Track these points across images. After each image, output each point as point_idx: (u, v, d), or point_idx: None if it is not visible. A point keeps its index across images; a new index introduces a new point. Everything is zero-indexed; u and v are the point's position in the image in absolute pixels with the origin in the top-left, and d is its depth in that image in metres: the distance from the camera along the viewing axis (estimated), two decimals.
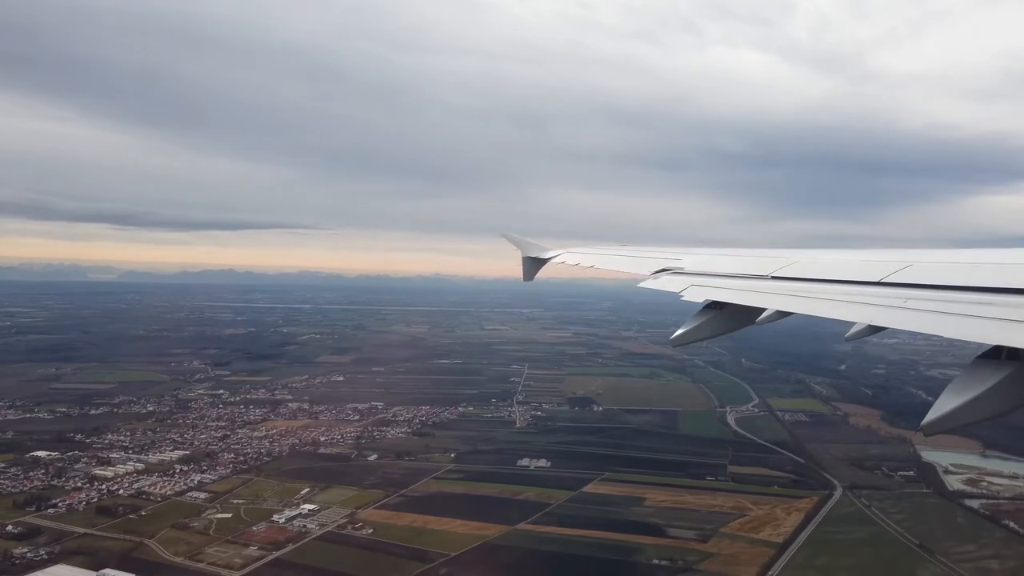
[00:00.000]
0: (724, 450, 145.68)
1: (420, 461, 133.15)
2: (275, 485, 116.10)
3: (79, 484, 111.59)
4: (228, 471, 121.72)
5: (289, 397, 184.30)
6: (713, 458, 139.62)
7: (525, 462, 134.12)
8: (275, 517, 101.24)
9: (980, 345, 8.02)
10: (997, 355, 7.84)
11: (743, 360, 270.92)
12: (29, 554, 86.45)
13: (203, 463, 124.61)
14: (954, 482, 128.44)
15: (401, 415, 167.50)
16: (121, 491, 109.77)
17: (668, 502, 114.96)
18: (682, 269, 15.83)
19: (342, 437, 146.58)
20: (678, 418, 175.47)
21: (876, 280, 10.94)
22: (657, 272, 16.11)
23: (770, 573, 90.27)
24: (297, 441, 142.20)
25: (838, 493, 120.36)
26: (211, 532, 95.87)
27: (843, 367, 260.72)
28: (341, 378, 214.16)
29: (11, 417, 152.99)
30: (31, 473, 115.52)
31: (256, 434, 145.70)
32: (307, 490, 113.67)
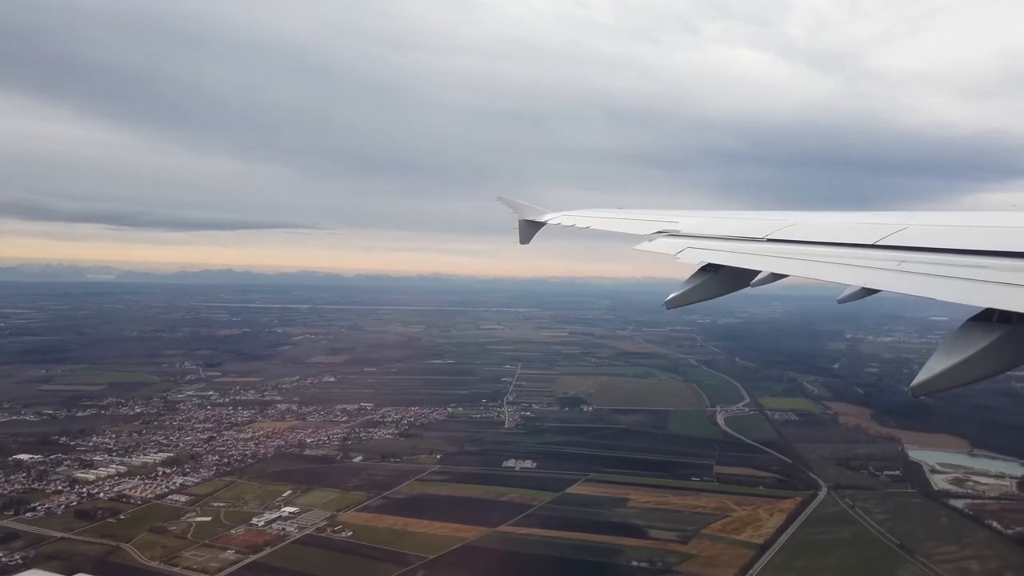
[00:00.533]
0: (711, 450, 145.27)
1: (405, 463, 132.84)
2: (257, 487, 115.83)
3: (60, 487, 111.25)
4: (211, 473, 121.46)
5: (278, 398, 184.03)
6: (700, 458, 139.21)
7: (511, 463, 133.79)
8: (254, 520, 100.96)
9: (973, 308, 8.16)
10: (989, 318, 7.88)
11: (737, 359, 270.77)
12: (3, 558, 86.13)
13: (186, 465, 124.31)
14: (940, 481, 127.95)
15: (390, 416, 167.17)
16: (101, 494, 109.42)
17: (651, 503, 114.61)
18: (678, 231, 15.93)
19: (328, 439, 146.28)
20: (668, 418, 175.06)
21: (871, 243, 10.96)
22: (653, 234, 16.18)
23: (748, 574, 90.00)
24: (283, 443, 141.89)
25: (822, 493, 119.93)
26: (189, 536, 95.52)
27: (837, 365, 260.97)
28: (332, 379, 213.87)
29: None
30: (12, 476, 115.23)
31: (242, 436, 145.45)
32: (289, 492, 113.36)
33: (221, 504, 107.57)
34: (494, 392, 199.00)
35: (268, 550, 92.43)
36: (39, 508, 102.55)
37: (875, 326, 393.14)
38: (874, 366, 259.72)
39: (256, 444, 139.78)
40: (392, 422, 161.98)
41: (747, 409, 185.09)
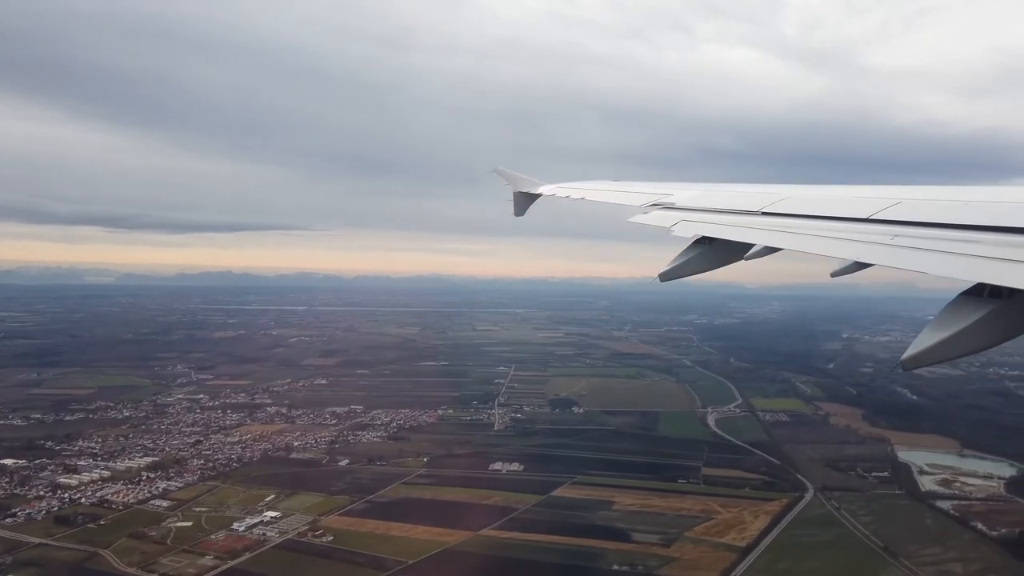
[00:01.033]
0: (700, 452, 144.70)
1: (391, 466, 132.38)
2: (241, 492, 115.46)
3: (41, 493, 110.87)
4: (195, 478, 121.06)
5: (269, 401, 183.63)
6: (688, 460, 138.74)
7: (498, 466, 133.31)
8: (235, 525, 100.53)
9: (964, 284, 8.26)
10: (979, 293, 7.95)
11: (732, 359, 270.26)
12: None
13: (171, 470, 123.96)
14: (928, 483, 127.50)
15: (379, 419, 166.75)
16: (83, 499, 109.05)
17: (636, 505, 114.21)
18: (673, 204, 15.97)
19: (315, 442, 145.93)
20: (658, 419, 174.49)
21: (865, 217, 11.03)
22: (648, 207, 16.21)
23: None
24: (270, 446, 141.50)
25: (809, 495, 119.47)
26: (168, 541, 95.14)
27: (831, 366, 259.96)
28: (324, 381, 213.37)
29: None
30: None
31: (229, 439, 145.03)
32: (272, 497, 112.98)
33: (203, 509, 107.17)
34: (486, 394, 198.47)
35: (247, 555, 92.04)
36: (19, 514, 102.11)
37: (872, 326, 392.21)
38: (869, 366, 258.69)
39: (243, 448, 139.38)
40: (381, 425, 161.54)
41: (738, 410, 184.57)
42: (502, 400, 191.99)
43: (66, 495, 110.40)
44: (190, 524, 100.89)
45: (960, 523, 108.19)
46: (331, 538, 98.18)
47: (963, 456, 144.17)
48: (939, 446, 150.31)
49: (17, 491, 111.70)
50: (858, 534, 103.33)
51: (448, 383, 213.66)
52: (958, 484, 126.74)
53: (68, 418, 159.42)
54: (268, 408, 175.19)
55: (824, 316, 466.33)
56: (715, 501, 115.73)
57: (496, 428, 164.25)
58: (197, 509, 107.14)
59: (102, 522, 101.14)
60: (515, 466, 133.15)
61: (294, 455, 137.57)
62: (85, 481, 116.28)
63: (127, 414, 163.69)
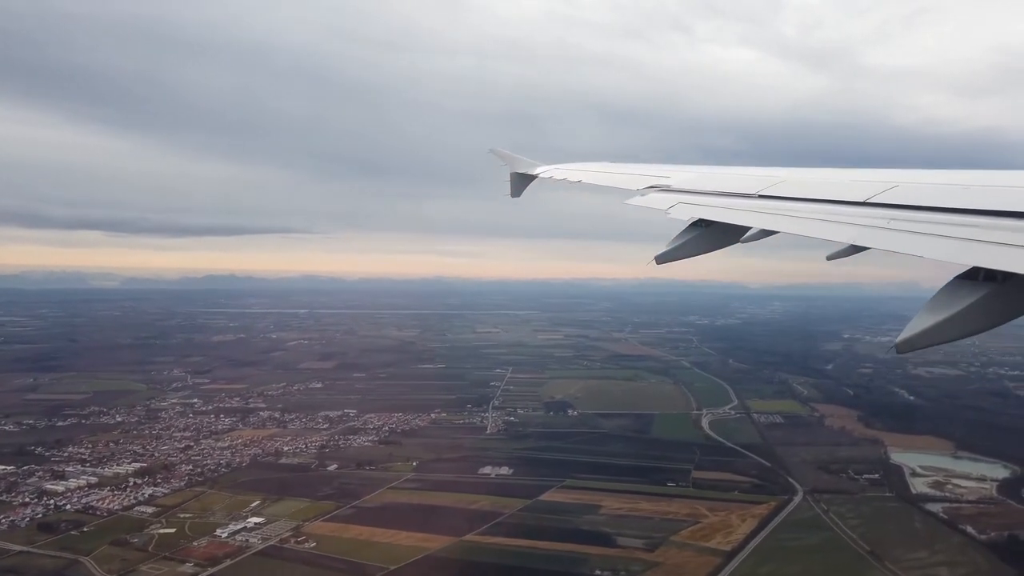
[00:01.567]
0: (692, 454, 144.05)
1: (380, 471, 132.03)
2: (227, 498, 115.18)
3: (27, 499, 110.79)
4: (182, 484, 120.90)
5: (262, 405, 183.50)
6: (679, 463, 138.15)
7: (487, 470, 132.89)
8: (218, 531, 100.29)
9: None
10: (975, 276, 7.96)
11: (730, 360, 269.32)
12: None
13: (158, 476, 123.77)
14: (919, 485, 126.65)
15: (371, 423, 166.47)
16: (68, 506, 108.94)
17: (623, 509, 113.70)
18: (670, 186, 15.97)
19: (306, 447, 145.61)
20: (652, 421, 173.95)
21: (861, 200, 11.02)
22: (645, 189, 16.21)
23: None
24: (260, 451, 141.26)
25: (798, 498, 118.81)
26: (150, 548, 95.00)
27: (830, 366, 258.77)
28: (319, 385, 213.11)
29: None
30: None
31: (220, 444, 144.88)
32: (258, 503, 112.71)
33: (188, 515, 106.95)
34: (481, 397, 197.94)
35: (228, 562, 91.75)
36: (2, 521, 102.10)
37: (874, 325, 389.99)
38: (868, 366, 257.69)
39: (232, 453, 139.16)
40: (373, 429, 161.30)
41: (733, 412, 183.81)
42: (497, 403, 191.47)
43: (52, 502, 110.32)
44: (173, 531, 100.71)
45: (949, 526, 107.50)
46: (313, 544, 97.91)
47: (957, 458, 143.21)
48: (934, 447, 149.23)
49: (3, 498, 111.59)
50: (845, 538, 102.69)
51: (444, 386, 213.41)
52: (950, 486, 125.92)
53: (60, 424, 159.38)
54: (261, 412, 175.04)
55: (826, 316, 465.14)
56: (703, 504, 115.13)
57: (488, 431, 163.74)
58: (182, 515, 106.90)
59: (85, 529, 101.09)
60: (504, 470, 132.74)
61: (283, 460, 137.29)
62: (72, 487, 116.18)
63: (120, 419, 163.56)
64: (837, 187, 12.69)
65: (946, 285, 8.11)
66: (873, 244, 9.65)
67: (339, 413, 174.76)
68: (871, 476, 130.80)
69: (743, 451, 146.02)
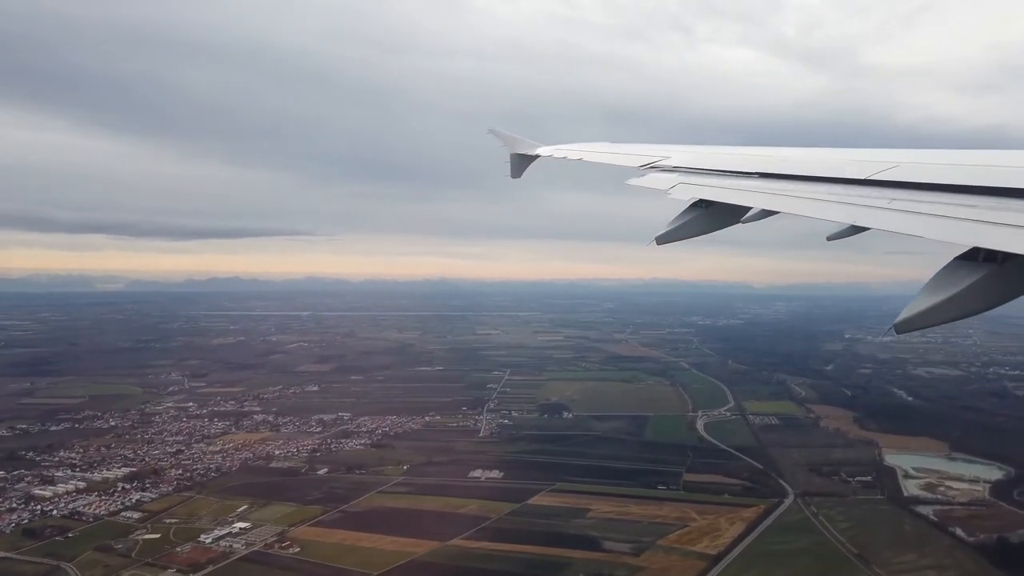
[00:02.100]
0: (684, 457, 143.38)
1: (370, 475, 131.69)
2: (214, 502, 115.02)
3: (14, 505, 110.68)
4: (171, 488, 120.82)
5: (257, 409, 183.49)
6: (670, 465, 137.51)
7: (477, 473, 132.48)
8: (203, 537, 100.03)
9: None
10: (975, 257, 7.95)
11: (730, 361, 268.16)
12: None
13: (147, 481, 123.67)
14: (912, 487, 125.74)
15: (365, 426, 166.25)
16: (55, 512, 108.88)
17: (612, 513, 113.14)
18: (671, 166, 15.93)
19: (297, 450, 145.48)
20: (647, 424, 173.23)
21: (862, 178, 11.01)
22: (646, 169, 16.18)
23: None
24: (251, 455, 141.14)
25: (788, 500, 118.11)
26: (133, 554, 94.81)
27: (829, 367, 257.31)
28: (316, 388, 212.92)
29: None
30: None
31: (211, 449, 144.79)
32: (245, 507, 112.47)
33: (174, 520, 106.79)
34: (476, 399, 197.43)
35: (210, 568, 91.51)
36: None
37: (876, 325, 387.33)
38: (868, 367, 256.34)
39: (223, 457, 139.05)
40: (366, 432, 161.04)
41: (729, 414, 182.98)
42: (492, 406, 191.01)
43: (38, 507, 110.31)
44: (158, 536, 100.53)
45: (939, 529, 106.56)
46: (298, 549, 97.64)
47: (952, 459, 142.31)
48: (929, 449, 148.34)
49: None
50: (833, 541, 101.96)
51: (440, 388, 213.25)
52: (942, 488, 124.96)
53: (54, 428, 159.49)
54: (255, 416, 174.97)
55: (829, 316, 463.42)
56: (693, 508, 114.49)
57: (482, 434, 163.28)
58: (168, 521, 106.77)
59: (70, 534, 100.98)
60: (495, 473, 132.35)
61: (274, 464, 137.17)
62: (60, 493, 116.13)
63: (113, 424, 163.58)
64: (837, 166, 12.54)
65: (946, 265, 8.09)
66: (873, 224, 9.64)
67: (333, 416, 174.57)
68: (863, 478, 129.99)
69: (736, 453, 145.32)
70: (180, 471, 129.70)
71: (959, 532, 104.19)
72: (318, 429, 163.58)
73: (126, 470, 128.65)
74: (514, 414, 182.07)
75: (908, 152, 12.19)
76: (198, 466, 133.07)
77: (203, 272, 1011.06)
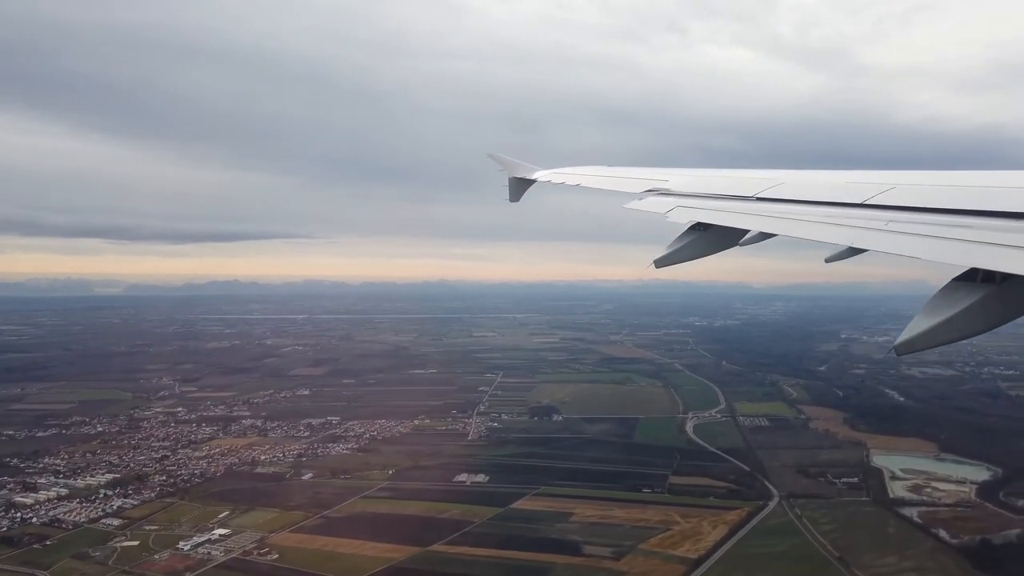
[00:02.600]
0: (671, 459, 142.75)
1: (355, 479, 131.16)
2: (196, 509, 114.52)
3: None
4: (153, 495, 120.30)
5: (247, 413, 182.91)
6: (657, 468, 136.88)
7: (462, 477, 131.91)
8: (181, 544, 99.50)
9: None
10: (973, 278, 7.97)
11: (724, 362, 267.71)
12: None
13: (130, 487, 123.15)
14: (898, 488, 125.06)
15: (353, 430, 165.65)
16: (35, 519, 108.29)
17: (595, 517, 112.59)
18: (668, 190, 16.03)
19: (283, 455, 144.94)
20: (636, 426, 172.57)
21: (859, 202, 11.09)
22: (644, 193, 16.25)
23: None
24: (236, 460, 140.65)
25: (773, 503, 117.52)
26: (110, 562, 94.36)
27: (823, 368, 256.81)
28: (306, 392, 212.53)
29: None
30: None
31: (197, 454, 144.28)
32: (226, 513, 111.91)
33: (154, 527, 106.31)
34: (467, 402, 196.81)
35: None
36: None
37: (873, 325, 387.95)
38: (862, 367, 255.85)
39: (208, 462, 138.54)
40: (354, 436, 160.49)
41: (719, 415, 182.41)
42: (482, 409, 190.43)
43: (19, 514, 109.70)
44: (137, 544, 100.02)
45: (923, 531, 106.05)
46: (276, 556, 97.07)
47: (940, 460, 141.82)
48: (918, 449, 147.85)
49: None
50: (815, 544, 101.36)
51: (431, 392, 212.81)
52: (928, 490, 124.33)
53: (40, 434, 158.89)
54: (244, 421, 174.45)
55: (827, 316, 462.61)
56: (676, 511, 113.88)
57: (470, 438, 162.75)
58: (148, 527, 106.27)
59: (48, 542, 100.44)
60: (480, 477, 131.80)
61: (259, 469, 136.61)
62: (41, 500, 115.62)
63: (101, 429, 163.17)
64: (835, 189, 12.67)
65: (944, 287, 8.12)
66: (871, 246, 9.70)
67: (322, 421, 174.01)
68: (850, 480, 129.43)
69: (724, 455, 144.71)
70: (164, 477, 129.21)
71: (942, 534, 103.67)
72: (306, 434, 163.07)
73: (110, 476, 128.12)
74: (504, 417, 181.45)
75: (904, 174, 12.39)
76: (183, 472, 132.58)
77: (202, 276, 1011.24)
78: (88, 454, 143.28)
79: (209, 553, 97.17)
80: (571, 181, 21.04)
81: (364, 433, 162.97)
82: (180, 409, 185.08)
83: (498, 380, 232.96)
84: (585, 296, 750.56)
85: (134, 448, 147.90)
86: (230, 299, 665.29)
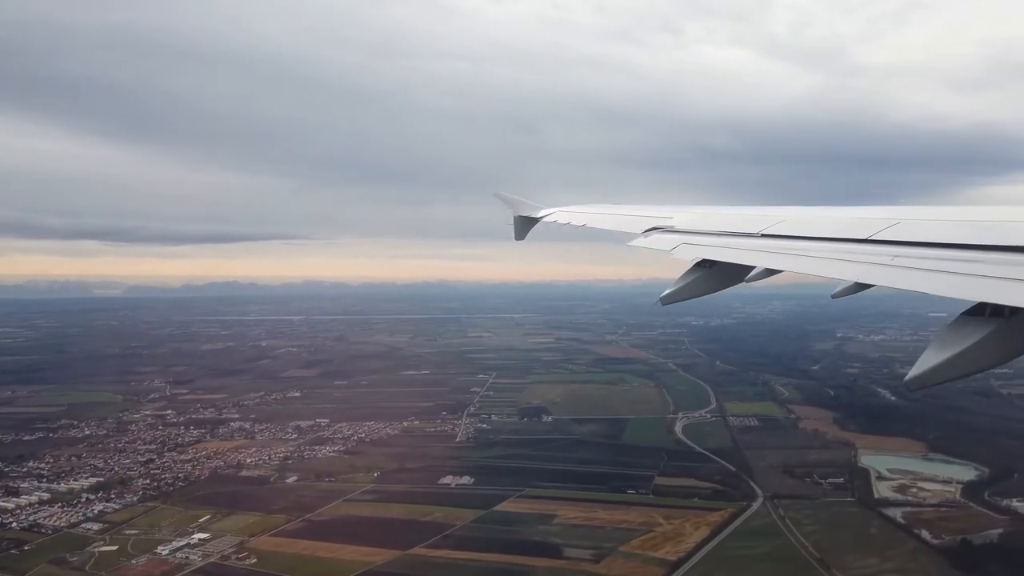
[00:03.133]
0: (658, 460, 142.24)
1: (340, 482, 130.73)
2: (178, 512, 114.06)
3: None
4: (136, 498, 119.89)
5: (236, 415, 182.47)
6: (643, 469, 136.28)
7: (447, 480, 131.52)
8: (160, 548, 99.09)
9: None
10: (981, 312, 7.95)
11: (717, 362, 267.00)
12: None
13: (112, 491, 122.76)
14: (883, 489, 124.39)
15: (341, 432, 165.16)
16: (14, 524, 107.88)
17: (578, 519, 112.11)
18: (673, 227, 16.10)
19: (269, 458, 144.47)
20: (626, 426, 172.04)
21: (864, 237, 11.03)
22: (648, 231, 16.31)
23: None
24: (221, 463, 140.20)
25: (757, 504, 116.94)
26: (87, 568, 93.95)
27: (817, 367, 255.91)
28: (297, 393, 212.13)
29: None
30: None
31: (183, 457, 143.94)
32: (208, 517, 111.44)
33: (134, 532, 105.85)
34: (457, 404, 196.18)
35: None
36: None
37: (869, 324, 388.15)
38: (856, 366, 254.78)
39: (193, 466, 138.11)
40: (341, 439, 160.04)
41: (709, 415, 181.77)
42: (472, 410, 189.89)
43: None
44: (115, 548, 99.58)
45: (905, 531, 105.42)
46: (254, 560, 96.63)
47: (928, 459, 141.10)
48: (907, 449, 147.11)
49: None
50: (796, 545, 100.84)
51: (422, 393, 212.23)
52: (914, 490, 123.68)
53: (27, 438, 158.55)
54: (232, 423, 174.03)
55: (824, 315, 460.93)
56: (660, 512, 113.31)
57: (458, 439, 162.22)
58: (128, 532, 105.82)
59: (26, 547, 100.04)
60: (465, 479, 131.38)
61: (244, 472, 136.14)
62: (23, 504, 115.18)
63: (88, 432, 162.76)
64: (839, 224, 12.73)
65: (953, 321, 8.11)
66: (878, 281, 9.64)
67: (311, 423, 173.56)
68: (835, 480, 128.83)
69: (711, 456, 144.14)
70: (148, 480, 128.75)
71: (924, 534, 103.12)
72: (293, 436, 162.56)
73: (93, 480, 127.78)
74: (493, 418, 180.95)
75: (909, 208, 12.38)
76: (167, 475, 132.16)
77: (201, 277, 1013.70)
78: (73, 458, 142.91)
79: (187, 557, 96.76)
80: (576, 221, 21.10)
81: (352, 435, 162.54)
82: (169, 412, 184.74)
83: (490, 381, 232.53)
84: (583, 296, 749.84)
85: (120, 451, 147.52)
86: (228, 300, 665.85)
